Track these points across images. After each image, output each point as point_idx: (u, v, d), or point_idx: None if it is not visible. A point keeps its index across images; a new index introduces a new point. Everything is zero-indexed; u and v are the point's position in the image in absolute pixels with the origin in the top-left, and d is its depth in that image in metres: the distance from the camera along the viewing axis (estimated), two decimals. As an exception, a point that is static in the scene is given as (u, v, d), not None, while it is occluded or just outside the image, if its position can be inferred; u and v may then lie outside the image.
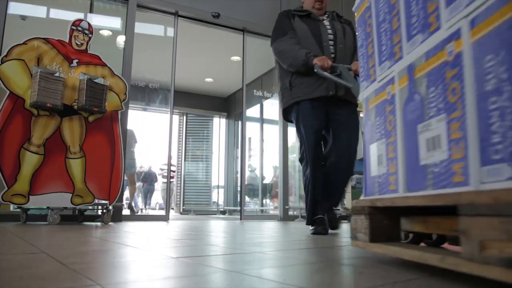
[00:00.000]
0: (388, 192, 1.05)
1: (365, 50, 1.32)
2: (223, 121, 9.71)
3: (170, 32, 4.80)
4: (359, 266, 0.97)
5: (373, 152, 1.17)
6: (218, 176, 9.58)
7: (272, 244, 1.59)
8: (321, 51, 2.42)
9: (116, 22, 4.28)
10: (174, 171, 10.05)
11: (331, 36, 2.48)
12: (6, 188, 2.77)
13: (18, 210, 3.10)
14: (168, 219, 4.32)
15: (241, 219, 4.84)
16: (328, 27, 2.52)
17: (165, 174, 9.38)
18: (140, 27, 4.40)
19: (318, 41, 2.44)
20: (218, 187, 9.66)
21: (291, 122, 2.58)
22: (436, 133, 0.85)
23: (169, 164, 5.02)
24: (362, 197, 1.22)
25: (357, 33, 1.42)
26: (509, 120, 0.64)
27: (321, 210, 2.29)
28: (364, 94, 1.29)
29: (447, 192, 0.77)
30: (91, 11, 3.99)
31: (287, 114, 2.58)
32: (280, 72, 2.60)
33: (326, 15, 2.62)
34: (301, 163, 2.45)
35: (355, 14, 1.42)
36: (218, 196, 9.71)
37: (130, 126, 6.33)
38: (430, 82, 0.87)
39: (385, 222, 1.08)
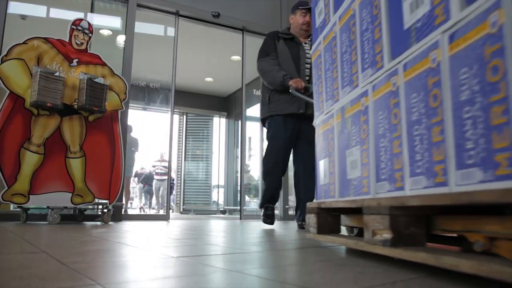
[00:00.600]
0: (329, 197, 1.44)
1: (317, 87, 1.70)
2: (223, 120, 9.71)
3: (170, 31, 4.81)
4: (359, 266, 0.97)
5: (321, 167, 1.55)
6: (218, 175, 9.57)
7: (272, 244, 1.59)
8: (297, 73, 2.79)
9: (116, 22, 4.28)
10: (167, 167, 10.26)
11: (308, 60, 2.83)
12: (6, 188, 2.77)
13: (18, 209, 3.10)
14: (169, 219, 4.32)
15: (240, 219, 4.84)
16: (308, 51, 2.86)
17: (157, 171, 9.31)
18: (140, 27, 4.40)
19: (296, 64, 2.82)
20: (218, 186, 9.66)
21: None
22: (355, 158, 1.22)
23: (170, 165, 5.02)
24: (314, 201, 1.59)
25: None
26: (386, 153, 1.04)
27: (271, 202, 2.78)
28: (316, 121, 1.69)
29: (358, 198, 1.17)
30: (92, 11, 3.98)
31: (264, 124, 2.98)
32: (262, 86, 2.99)
33: (309, 39, 2.94)
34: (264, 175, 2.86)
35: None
36: (218, 196, 9.71)
37: (134, 134, 6.40)
38: (352, 122, 1.26)
39: (328, 219, 1.47)
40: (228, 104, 9.56)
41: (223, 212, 8.83)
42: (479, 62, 0.72)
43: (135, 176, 10.39)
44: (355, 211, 1.23)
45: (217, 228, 2.70)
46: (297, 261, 1.10)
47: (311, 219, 1.52)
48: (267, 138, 2.89)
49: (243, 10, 5.02)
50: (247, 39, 5.24)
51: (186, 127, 9.77)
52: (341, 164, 1.33)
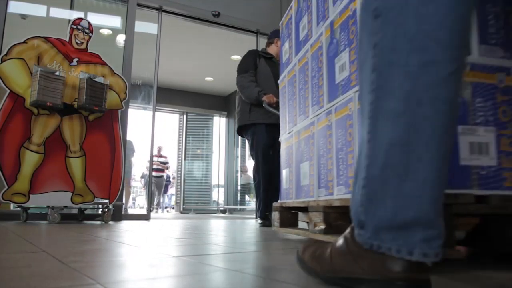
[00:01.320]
0: (289, 198, 1.88)
1: (283, 110, 2.08)
2: (223, 120, 9.70)
3: (168, 30, 4.79)
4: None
5: (284, 175, 1.99)
6: (218, 175, 9.57)
7: (272, 244, 1.59)
8: (278, 89, 3.04)
9: (116, 21, 4.27)
10: (165, 163, 9.69)
11: None
12: (7, 187, 2.77)
13: (18, 209, 3.10)
14: (149, 218, 4.12)
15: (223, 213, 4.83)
16: None
17: (154, 167, 8.80)
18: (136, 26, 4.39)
19: (276, 81, 2.97)
20: (218, 186, 9.66)
21: (242, 137, 3.43)
22: (305, 170, 1.65)
23: (151, 162, 5.04)
24: (278, 202, 2.01)
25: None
26: (342, 165, 1.32)
27: (269, 210, 2.90)
28: (281, 138, 2.11)
29: (306, 200, 1.62)
30: (71, 8, 3.90)
31: (241, 131, 3.35)
32: (239, 98, 3.34)
33: None
34: (255, 173, 3.19)
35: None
36: (218, 195, 9.70)
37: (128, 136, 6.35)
38: (305, 143, 1.68)
39: (288, 215, 1.92)
40: (228, 104, 9.56)
41: (223, 211, 8.83)
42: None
43: (142, 177, 10.26)
44: (306, 210, 1.61)
45: (214, 227, 2.71)
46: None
47: (275, 215, 1.96)
48: (251, 147, 3.25)
49: (243, 9, 5.02)
50: (247, 39, 5.24)
51: (186, 126, 9.77)
52: (297, 174, 1.77)
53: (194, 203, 9.37)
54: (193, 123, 9.82)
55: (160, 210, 10.50)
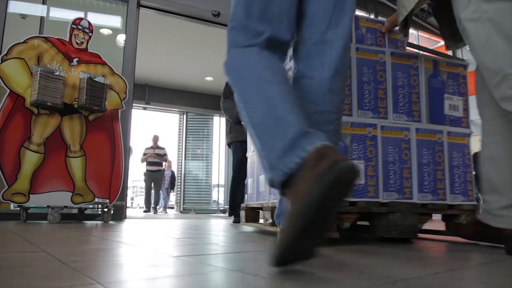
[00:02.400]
0: (252, 200, 2.40)
1: None
2: (223, 120, 9.71)
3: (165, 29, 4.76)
4: (363, 266, 0.97)
5: (249, 183, 2.52)
6: (218, 175, 9.57)
7: (271, 243, 1.59)
8: None
9: (116, 21, 4.27)
10: (162, 155, 8.31)
11: None
12: (7, 187, 2.77)
13: (17, 208, 3.10)
14: (125, 218, 3.72)
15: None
16: None
17: (150, 160, 8.05)
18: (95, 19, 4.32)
19: None
20: (218, 186, 9.66)
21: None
22: (262, 181, 2.14)
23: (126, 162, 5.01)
24: (244, 203, 2.63)
25: None
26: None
27: (238, 208, 3.19)
28: (248, 154, 2.59)
29: (262, 202, 2.15)
30: (43, 3, 3.84)
31: (230, 147, 4.08)
32: (226, 119, 4.11)
33: None
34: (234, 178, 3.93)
35: None
36: (218, 195, 9.70)
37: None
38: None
39: (252, 213, 2.48)
40: (228, 104, 9.53)
41: (224, 211, 8.83)
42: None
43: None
44: (261, 209, 2.20)
45: (204, 228, 2.71)
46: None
47: (242, 213, 2.55)
48: (234, 159, 4.03)
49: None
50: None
51: (186, 126, 9.77)
52: (257, 183, 2.27)
53: (194, 203, 9.38)
54: (193, 123, 9.82)
55: (161, 209, 9.93)
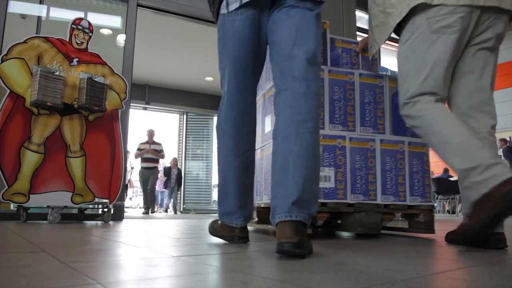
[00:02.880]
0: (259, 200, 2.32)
1: None
2: (223, 120, 9.71)
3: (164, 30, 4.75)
4: (363, 265, 0.97)
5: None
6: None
7: (271, 242, 1.59)
8: None
9: (116, 21, 4.27)
10: (159, 151, 7.53)
11: None
12: (7, 187, 2.77)
13: (17, 208, 3.10)
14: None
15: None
16: None
17: (146, 156, 7.25)
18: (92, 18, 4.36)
19: None
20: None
21: None
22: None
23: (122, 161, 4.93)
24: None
25: None
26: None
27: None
28: None
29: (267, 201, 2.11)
30: (41, 2, 3.86)
31: None
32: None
33: None
34: None
35: None
36: (218, 195, 9.67)
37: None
38: (265, 161, 2.21)
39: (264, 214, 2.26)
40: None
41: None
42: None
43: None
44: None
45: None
46: (297, 261, 1.10)
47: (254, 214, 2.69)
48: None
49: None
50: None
51: (186, 126, 9.77)
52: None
53: (194, 203, 9.38)
54: (193, 123, 9.83)
55: (161, 210, 9.71)
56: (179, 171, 9.16)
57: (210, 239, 1.70)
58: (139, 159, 7.48)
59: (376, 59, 2.21)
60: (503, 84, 8.55)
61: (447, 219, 5.66)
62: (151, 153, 7.39)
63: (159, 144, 7.67)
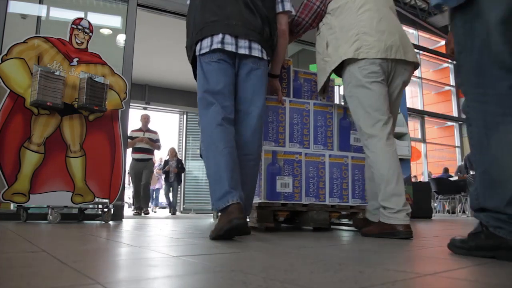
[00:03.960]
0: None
1: None
2: (223, 120, 9.70)
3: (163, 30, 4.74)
4: (361, 266, 0.97)
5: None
6: (218, 175, 9.53)
7: (271, 244, 1.59)
8: None
9: (116, 21, 4.27)
10: (155, 141, 6.31)
11: None
12: (7, 187, 2.77)
13: (17, 208, 3.10)
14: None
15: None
16: None
17: (138, 146, 6.05)
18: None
19: None
20: (218, 186, 9.62)
21: None
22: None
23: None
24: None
25: None
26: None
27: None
28: None
29: (272, 202, 2.33)
30: (40, 2, 3.86)
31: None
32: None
33: None
34: None
35: None
36: (218, 195, 9.65)
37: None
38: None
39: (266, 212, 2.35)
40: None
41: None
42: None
43: (161, 168, 8.52)
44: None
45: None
46: (297, 261, 1.10)
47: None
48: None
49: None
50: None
51: (186, 126, 9.77)
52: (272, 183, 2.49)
53: (194, 203, 9.37)
54: (193, 123, 9.82)
55: (155, 209, 9.44)
56: (179, 162, 8.05)
57: (210, 239, 1.70)
58: (130, 149, 6.21)
59: (330, 91, 2.67)
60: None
61: (446, 219, 5.67)
62: (145, 142, 6.21)
63: (155, 133, 6.49)
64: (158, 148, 6.56)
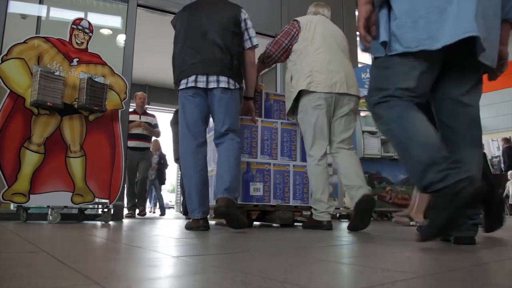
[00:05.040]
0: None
1: None
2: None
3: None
4: (361, 266, 0.97)
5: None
6: (218, 175, 9.50)
7: (271, 244, 1.59)
8: None
9: (116, 21, 4.27)
10: (153, 125, 5.10)
11: None
12: (7, 187, 2.77)
13: (17, 208, 3.10)
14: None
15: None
16: None
17: (134, 131, 4.77)
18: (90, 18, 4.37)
19: None
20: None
21: None
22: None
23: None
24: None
25: None
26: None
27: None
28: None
29: (246, 203, 2.86)
30: (40, 2, 3.86)
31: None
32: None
33: None
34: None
35: None
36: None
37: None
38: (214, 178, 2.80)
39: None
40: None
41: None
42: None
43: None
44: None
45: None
46: (297, 261, 1.10)
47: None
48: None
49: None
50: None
51: (186, 126, 9.73)
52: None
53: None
54: (193, 123, 9.79)
55: (153, 209, 8.75)
56: (162, 157, 7.05)
57: (210, 239, 1.70)
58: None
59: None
60: (503, 84, 8.54)
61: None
62: (143, 127, 5.15)
63: (153, 116, 5.47)
64: (158, 134, 5.60)
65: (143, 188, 5.40)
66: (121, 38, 4.22)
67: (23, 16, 3.95)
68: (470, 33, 1.27)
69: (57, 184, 2.98)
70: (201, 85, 2.34)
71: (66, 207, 3.01)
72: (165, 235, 1.93)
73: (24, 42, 2.98)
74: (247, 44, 2.52)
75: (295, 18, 2.78)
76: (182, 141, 2.43)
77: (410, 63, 1.42)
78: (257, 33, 5.09)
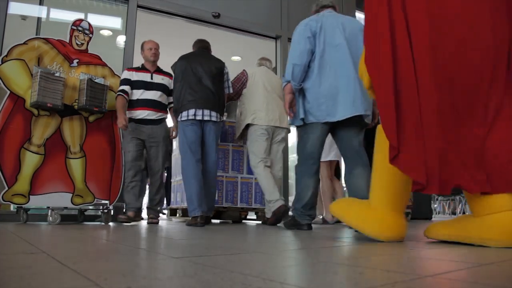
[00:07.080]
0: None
1: None
2: (223, 121, 9.67)
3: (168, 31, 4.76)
4: (361, 267, 0.97)
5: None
6: (218, 175, 9.49)
7: (271, 244, 1.59)
8: None
9: (116, 22, 4.27)
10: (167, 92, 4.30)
11: None
12: (7, 188, 2.77)
13: (17, 209, 3.10)
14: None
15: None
16: None
17: (142, 97, 2.69)
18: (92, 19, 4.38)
19: None
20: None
21: None
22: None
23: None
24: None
25: None
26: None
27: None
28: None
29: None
30: (40, 3, 3.87)
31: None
32: None
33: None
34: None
35: None
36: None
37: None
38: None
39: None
40: (228, 105, 9.52)
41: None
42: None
43: None
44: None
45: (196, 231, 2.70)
46: (297, 262, 1.10)
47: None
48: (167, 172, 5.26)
49: (242, 10, 5.02)
50: (247, 40, 5.24)
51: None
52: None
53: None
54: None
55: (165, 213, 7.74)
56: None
57: (211, 240, 1.70)
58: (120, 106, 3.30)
59: (244, 138, 3.83)
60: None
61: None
62: (153, 92, 3.45)
63: (170, 77, 3.62)
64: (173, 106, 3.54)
65: (160, 184, 3.56)
66: (121, 39, 4.23)
67: (23, 17, 3.95)
68: (351, 114, 2.36)
69: (57, 185, 2.98)
70: (198, 117, 3.09)
71: (66, 208, 3.01)
72: (165, 236, 1.93)
73: (24, 43, 2.98)
74: (227, 91, 3.45)
75: (244, 69, 3.75)
76: (184, 157, 3.07)
77: (317, 127, 2.46)
78: (257, 34, 5.14)
